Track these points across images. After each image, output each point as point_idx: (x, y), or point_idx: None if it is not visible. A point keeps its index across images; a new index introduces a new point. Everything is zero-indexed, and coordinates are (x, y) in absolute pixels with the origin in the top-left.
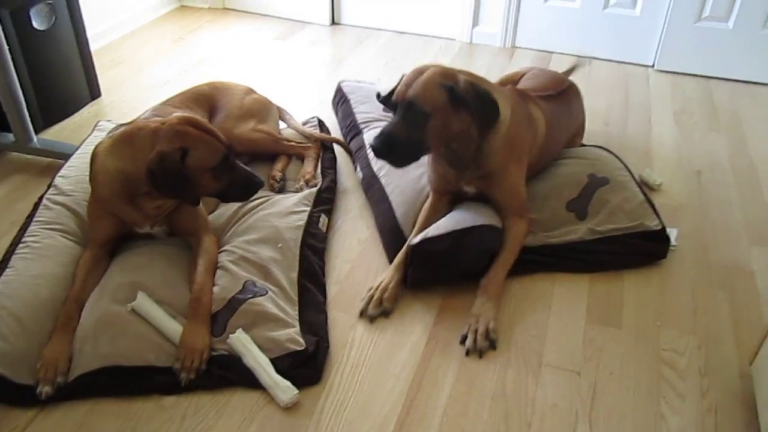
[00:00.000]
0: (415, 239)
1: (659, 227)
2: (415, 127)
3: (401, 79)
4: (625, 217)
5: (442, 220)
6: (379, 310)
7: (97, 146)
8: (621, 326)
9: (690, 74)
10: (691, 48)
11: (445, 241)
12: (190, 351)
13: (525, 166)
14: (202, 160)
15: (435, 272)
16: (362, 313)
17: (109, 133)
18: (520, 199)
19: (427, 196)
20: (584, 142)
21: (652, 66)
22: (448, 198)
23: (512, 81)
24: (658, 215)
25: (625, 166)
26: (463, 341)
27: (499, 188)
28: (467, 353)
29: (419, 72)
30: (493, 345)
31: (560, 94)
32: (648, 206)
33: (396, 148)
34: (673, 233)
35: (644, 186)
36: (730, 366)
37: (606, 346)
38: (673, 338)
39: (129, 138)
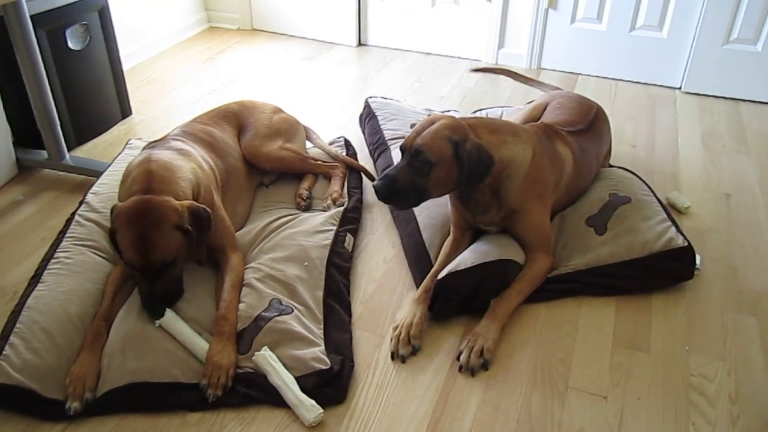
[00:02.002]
0: (440, 274)
1: (685, 244)
2: (419, 173)
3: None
4: (647, 233)
5: (465, 252)
6: (408, 350)
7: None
8: (649, 350)
9: (718, 96)
10: (719, 70)
11: (470, 276)
12: (217, 368)
13: (549, 204)
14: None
15: (460, 305)
16: (393, 356)
17: (142, 150)
18: (544, 236)
19: None
20: (612, 164)
21: (680, 88)
22: (469, 232)
23: (538, 113)
24: (681, 233)
25: (649, 188)
26: (458, 357)
27: (521, 226)
28: (459, 369)
29: (430, 122)
30: (485, 366)
31: (590, 125)
32: (671, 224)
33: (398, 192)
34: (697, 258)
35: (672, 209)
36: (761, 393)
37: (633, 371)
38: (702, 363)
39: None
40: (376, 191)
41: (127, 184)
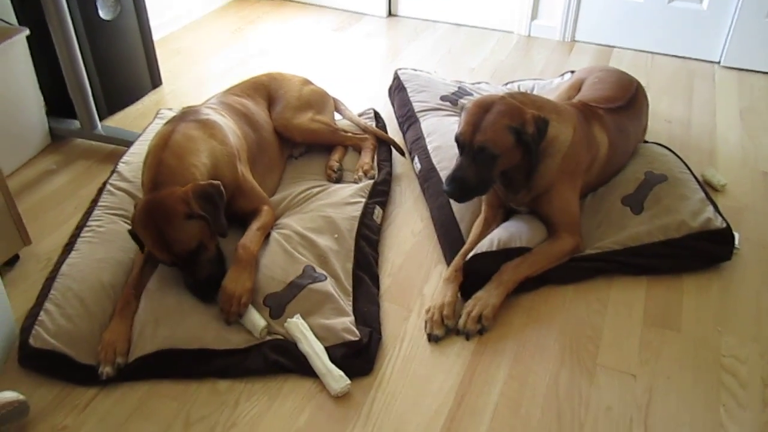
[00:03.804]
0: (468, 255)
1: (724, 225)
2: (485, 167)
3: (461, 115)
4: (685, 212)
5: (495, 232)
6: (443, 330)
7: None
8: (680, 330)
9: (759, 71)
10: (761, 43)
11: (496, 259)
12: (230, 296)
13: (579, 184)
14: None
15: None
16: (429, 337)
17: (169, 120)
18: (572, 217)
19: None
20: (646, 139)
21: (719, 62)
22: (501, 211)
23: (574, 92)
24: (720, 213)
25: (686, 165)
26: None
27: (550, 206)
28: (456, 333)
29: (483, 109)
30: (481, 332)
31: (630, 103)
32: (709, 204)
33: (469, 189)
34: (735, 237)
35: (707, 186)
36: None
37: (663, 350)
38: (734, 345)
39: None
40: (448, 195)
41: (144, 168)
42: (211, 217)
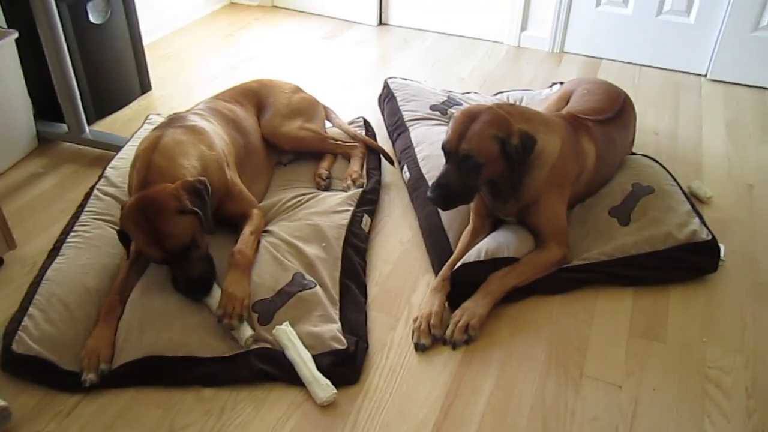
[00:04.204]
0: (456, 265)
1: (709, 237)
2: (469, 175)
3: (449, 124)
4: (671, 225)
5: (482, 242)
6: (430, 340)
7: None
8: (665, 341)
9: (745, 84)
10: (747, 57)
11: (483, 268)
12: (232, 298)
13: (567, 195)
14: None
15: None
16: (417, 347)
17: (156, 127)
18: (559, 228)
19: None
20: (634, 151)
21: (705, 75)
22: (489, 221)
23: (563, 104)
24: (706, 226)
25: (672, 177)
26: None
27: (537, 217)
28: (443, 342)
29: (470, 118)
30: (468, 341)
31: (618, 114)
32: (695, 216)
33: (453, 197)
34: (721, 248)
35: (694, 198)
36: None
37: (649, 361)
38: (719, 355)
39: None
40: (432, 201)
41: (133, 171)
42: (201, 212)
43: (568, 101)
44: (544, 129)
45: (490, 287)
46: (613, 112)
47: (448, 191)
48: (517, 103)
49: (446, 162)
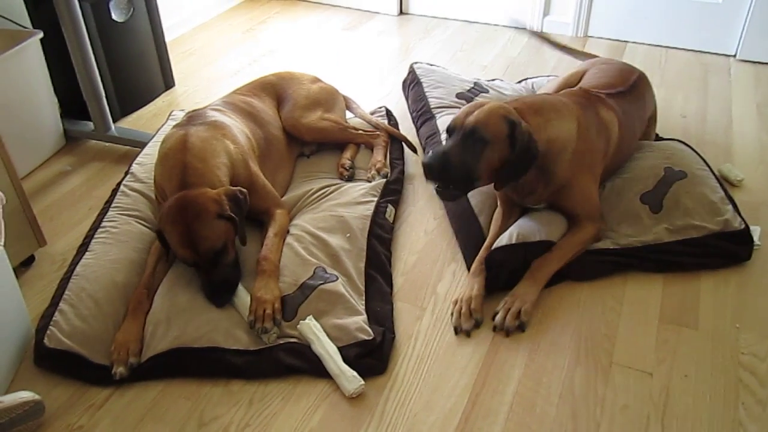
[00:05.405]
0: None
1: (742, 226)
2: (471, 152)
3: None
4: (704, 213)
5: (513, 227)
6: (471, 323)
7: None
8: (697, 327)
9: None
10: None
11: (515, 252)
12: (262, 302)
13: (598, 173)
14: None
15: (506, 279)
16: (457, 330)
17: (177, 124)
18: (592, 206)
19: None
20: (661, 135)
21: (734, 56)
22: (516, 208)
23: (575, 80)
24: (739, 213)
25: (704, 161)
26: (494, 317)
27: (569, 200)
28: (494, 329)
29: (479, 104)
30: (521, 327)
31: (631, 88)
32: (728, 203)
33: (449, 169)
34: (756, 232)
35: (724, 181)
36: None
37: (680, 348)
38: (753, 342)
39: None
40: (425, 167)
41: (164, 171)
42: (239, 219)
43: (581, 79)
44: (556, 116)
45: (535, 275)
46: (625, 86)
47: (446, 160)
48: (540, 91)
49: (449, 137)
